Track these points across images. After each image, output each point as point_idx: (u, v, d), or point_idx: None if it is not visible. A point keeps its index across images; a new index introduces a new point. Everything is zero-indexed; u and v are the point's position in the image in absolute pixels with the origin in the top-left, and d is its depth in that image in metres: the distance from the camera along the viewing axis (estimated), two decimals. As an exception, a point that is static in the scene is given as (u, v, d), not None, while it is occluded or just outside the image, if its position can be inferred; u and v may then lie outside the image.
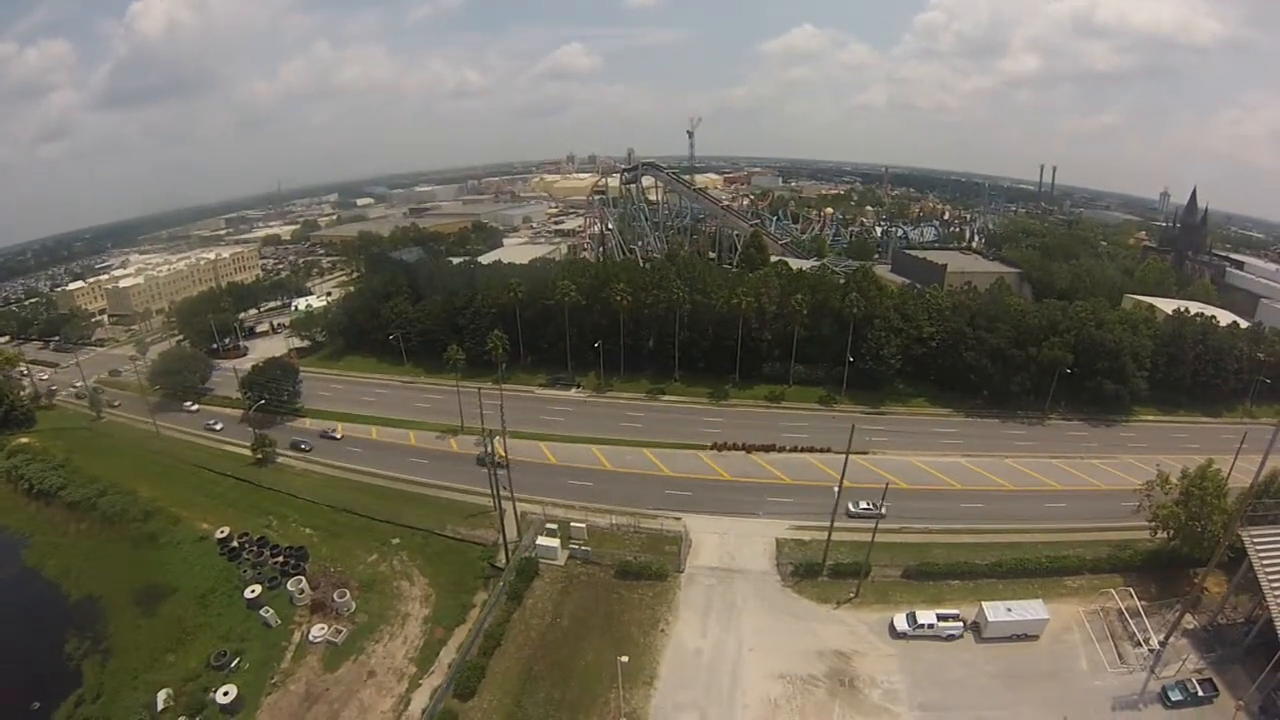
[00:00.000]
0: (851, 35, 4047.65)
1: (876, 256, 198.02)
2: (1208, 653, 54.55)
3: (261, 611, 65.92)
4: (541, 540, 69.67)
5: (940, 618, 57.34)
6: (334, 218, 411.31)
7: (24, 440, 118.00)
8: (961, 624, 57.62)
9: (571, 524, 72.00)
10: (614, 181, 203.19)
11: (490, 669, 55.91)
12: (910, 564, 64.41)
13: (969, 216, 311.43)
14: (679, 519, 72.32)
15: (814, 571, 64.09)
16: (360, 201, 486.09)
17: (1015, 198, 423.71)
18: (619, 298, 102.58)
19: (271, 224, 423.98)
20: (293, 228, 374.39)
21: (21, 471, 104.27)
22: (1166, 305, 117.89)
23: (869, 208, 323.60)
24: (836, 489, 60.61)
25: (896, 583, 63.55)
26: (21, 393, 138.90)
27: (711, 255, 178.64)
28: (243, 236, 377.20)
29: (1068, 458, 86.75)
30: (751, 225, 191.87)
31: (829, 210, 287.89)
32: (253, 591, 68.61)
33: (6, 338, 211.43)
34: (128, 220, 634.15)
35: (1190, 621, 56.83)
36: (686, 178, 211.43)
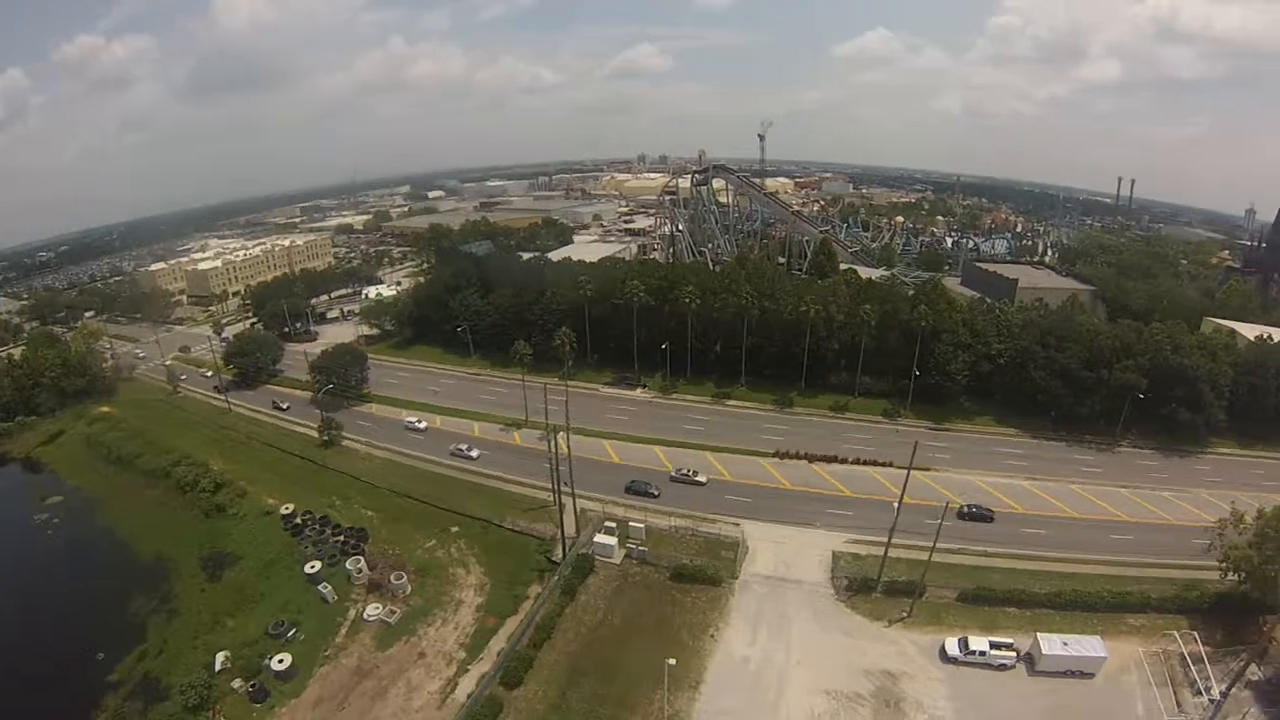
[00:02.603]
0: (924, 39, 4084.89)
1: (946, 268, 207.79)
2: (1270, 707, 55.18)
3: (320, 587, 76.24)
4: (599, 538, 76.67)
5: (993, 645, 60.32)
6: (405, 209, 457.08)
7: (105, 409, 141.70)
8: (1015, 654, 60.55)
9: (630, 524, 79.20)
10: (685, 182, 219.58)
11: (538, 660, 62.20)
12: (966, 587, 67.87)
13: (1042, 229, 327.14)
14: (737, 525, 79.52)
15: (868, 587, 68.83)
16: (431, 194, 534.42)
17: (1091, 211, 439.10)
18: (688, 300, 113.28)
19: (345, 213, 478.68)
20: (365, 217, 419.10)
21: (101, 438, 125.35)
22: (1249, 331, 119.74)
23: (940, 217, 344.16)
24: (896, 505, 65.12)
25: (950, 605, 67.15)
26: (104, 365, 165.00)
27: (781, 261, 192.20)
28: (316, 224, 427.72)
29: (1136, 488, 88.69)
30: (821, 232, 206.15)
31: (899, 219, 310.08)
32: (312, 567, 79.43)
33: (92, 312, 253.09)
34: (208, 206, 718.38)
35: (1255, 672, 56.95)
36: (757, 181, 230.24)
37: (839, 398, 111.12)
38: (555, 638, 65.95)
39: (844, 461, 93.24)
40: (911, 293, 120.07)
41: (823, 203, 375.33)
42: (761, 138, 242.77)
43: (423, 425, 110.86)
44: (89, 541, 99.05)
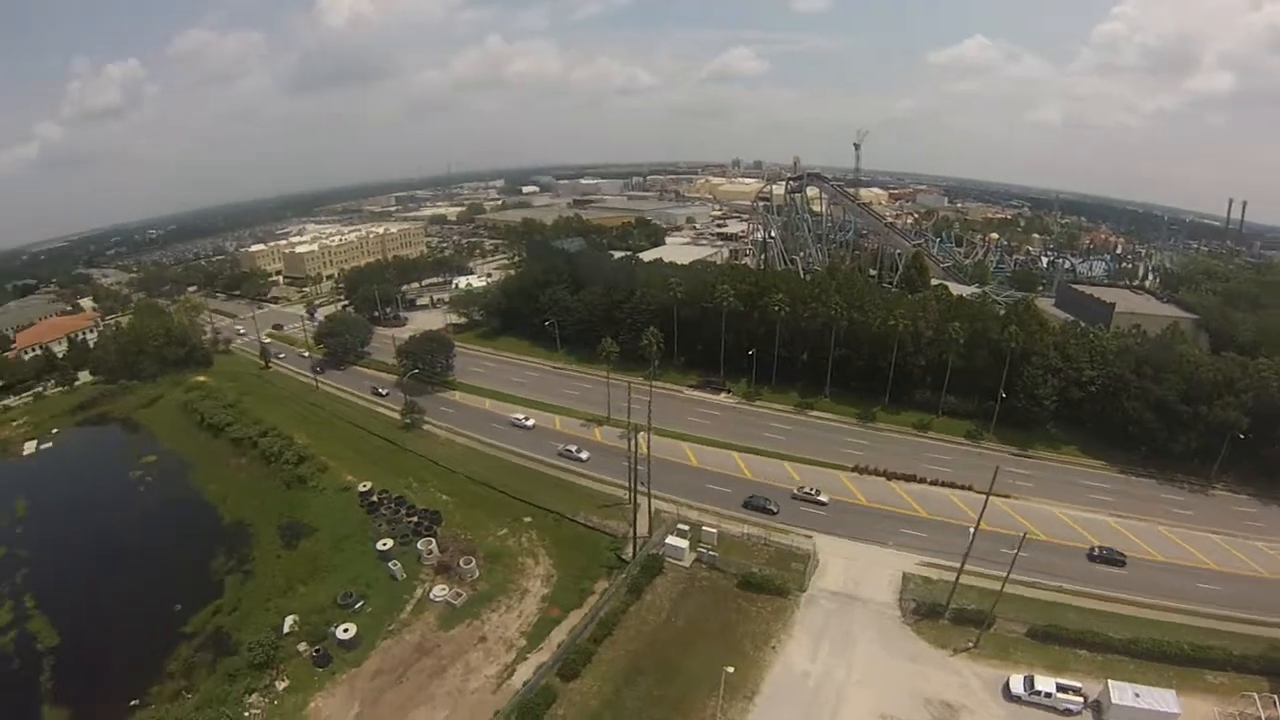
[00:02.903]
0: (1025, 47, 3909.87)
1: (1040, 289, 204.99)
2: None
3: (390, 564, 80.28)
4: (671, 539, 79.20)
5: (1060, 688, 58.58)
6: (499, 203, 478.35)
7: (201, 379, 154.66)
8: (1082, 700, 58.32)
9: (703, 528, 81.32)
10: (779, 189, 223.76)
11: (598, 655, 64.16)
12: (1037, 623, 66.44)
13: (1144, 252, 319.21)
14: (810, 537, 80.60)
15: (936, 613, 68.35)
16: (526, 189, 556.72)
17: (1198, 234, 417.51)
18: (777, 307, 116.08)
19: (439, 204, 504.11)
20: (459, 209, 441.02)
21: (196, 406, 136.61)
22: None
23: (1036, 235, 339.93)
24: (972, 530, 64.91)
25: (1019, 640, 65.93)
26: (203, 337, 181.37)
27: (872, 273, 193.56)
28: (411, 214, 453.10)
29: (1229, 535, 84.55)
30: (914, 245, 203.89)
31: (994, 235, 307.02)
32: (385, 545, 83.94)
33: (194, 288, 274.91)
34: (307, 192, 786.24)
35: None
36: (851, 191, 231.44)
37: (922, 415, 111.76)
38: (617, 635, 67.80)
39: (922, 481, 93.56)
40: (1003, 312, 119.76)
41: (916, 215, 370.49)
42: (857, 147, 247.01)
43: (530, 423, 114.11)
44: (177, 500, 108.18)
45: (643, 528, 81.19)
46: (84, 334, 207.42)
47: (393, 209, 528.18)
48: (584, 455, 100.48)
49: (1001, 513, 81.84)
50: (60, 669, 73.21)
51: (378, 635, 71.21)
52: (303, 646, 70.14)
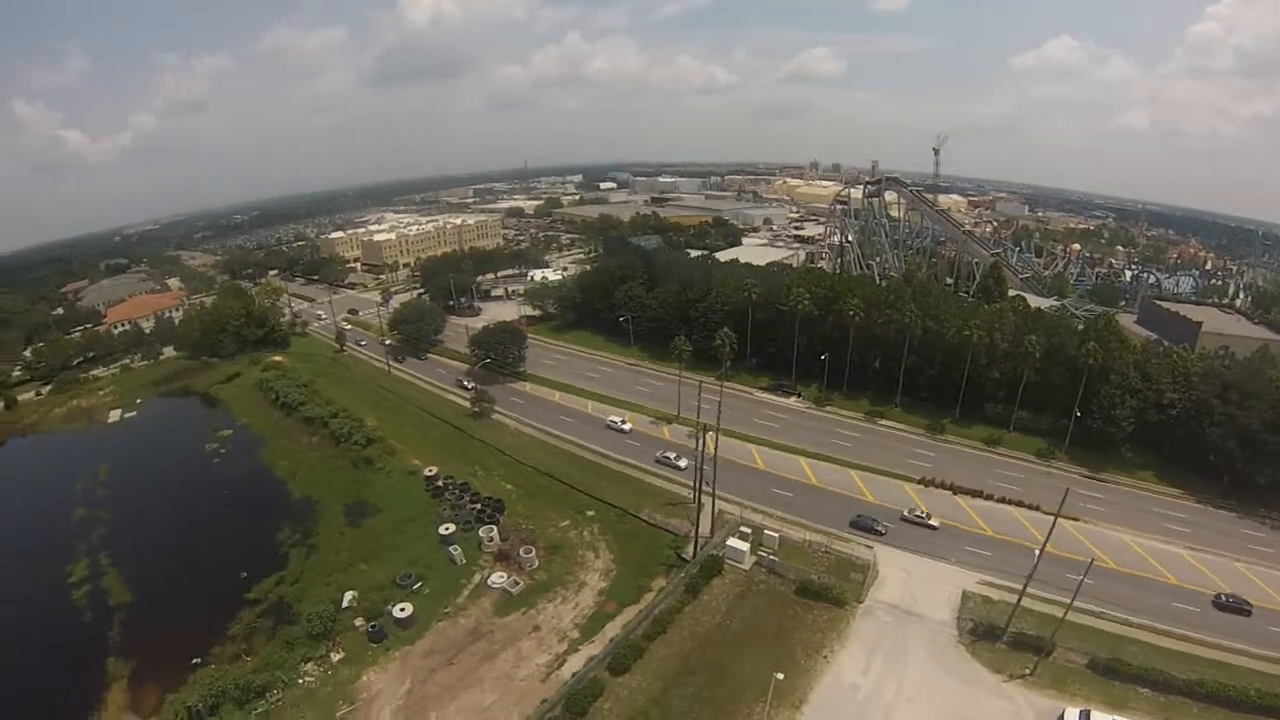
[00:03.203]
0: (1114, 49, 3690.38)
1: (1122, 304, 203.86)
2: None
3: (450, 548, 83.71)
4: (732, 541, 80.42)
5: None
6: (577, 198, 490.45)
7: (277, 358, 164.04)
8: None
9: (765, 531, 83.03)
10: (856, 193, 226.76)
11: (649, 652, 65.98)
12: (1099, 655, 64.92)
13: (1235, 268, 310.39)
14: (871, 548, 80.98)
15: (994, 635, 67.65)
16: (603, 185, 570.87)
17: None
18: (851, 313, 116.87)
19: (516, 197, 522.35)
20: (536, 203, 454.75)
21: (271, 384, 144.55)
22: None
23: (1120, 248, 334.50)
24: (1038, 552, 64.79)
25: (1078, 671, 64.58)
26: (281, 319, 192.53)
27: (948, 281, 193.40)
28: (488, 206, 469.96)
29: None
30: (992, 255, 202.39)
31: (1075, 246, 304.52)
32: (446, 529, 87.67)
33: (275, 271, 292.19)
34: (386, 183, 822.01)
35: None
36: (930, 197, 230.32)
37: (993, 430, 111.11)
38: (670, 633, 69.25)
39: (989, 498, 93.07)
40: (1081, 327, 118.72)
41: (995, 224, 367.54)
42: (936, 152, 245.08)
43: (627, 426, 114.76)
44: (249, 474, 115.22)
45: (705, 528, 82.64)
46: (170, 312, 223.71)
47: (470, 201, 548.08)
48: (682, 463, 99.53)
49: (1069, 536, 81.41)
50: (128, 624, 79.26)
51: (433, 616, 74.45)
52: (359, 622, 74.12)
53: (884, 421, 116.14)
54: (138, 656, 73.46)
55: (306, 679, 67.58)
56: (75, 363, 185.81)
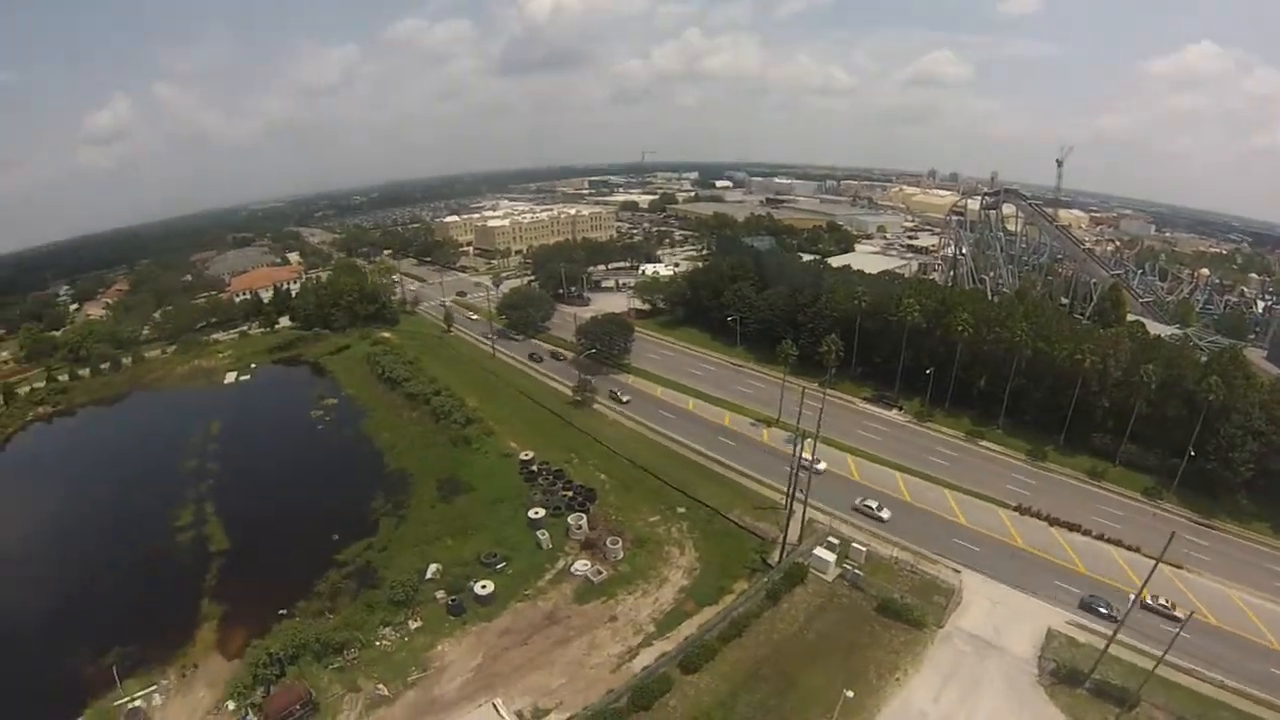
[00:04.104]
0: (1261, 57, 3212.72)
1: (1252, 337, 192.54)
2: None
3: (538, 533, 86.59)
4: (818, 551, 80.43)
5: None
6: (692, 195, 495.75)
7: (386, 335, 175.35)
8: None
9: (853, 544, 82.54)
10: (974, 204, 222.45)
11: (722, 654, 66.93)
12: (1186, 716, 62.50)
13: None
14: (958, 572, 79.21)
15: (1076, 679, 65.10)
16: (719, 183, 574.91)
17: None
18: (960, 328, 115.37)
19: (631, 191, 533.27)
20: (651, 197, 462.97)
21: (378, 359, 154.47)
22: None
23: (1254, 275, 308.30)
24: (1133, 596, 63.21)
25: None
26: (393, 297, 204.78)
27: (1063, 301, 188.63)
28: (603, 198, 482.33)
29: None
30: (1112, 276, 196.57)
31: (1204, 272, 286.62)
32: (536, 513, 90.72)
33: (389, 251, 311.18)
34: (502, 170, 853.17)
35: None
36: (1049, 211, 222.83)
37: (1097, 462, 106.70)
38: (745, 638, 69.85)
39: (1087, 533, 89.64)
40: (1204, 359, 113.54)
41: (1118, 243, 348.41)
42: (1059, 163, 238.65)
43: (821, 465, 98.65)
44: (350, 442, 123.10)
45: (793, 535, 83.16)
46: (288, 284, 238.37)
47: (585, 192, 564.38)
48: (885, 514, 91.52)
49: (1169, 584, 77.84)
50: (224, 571, 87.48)
51: (513, 597, 77.54)
52: (440, 594, 78.03)
53: (984, 443, 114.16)
54: (229, 601, 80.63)
55: (383, 642, 71.80)
56: (198, 326, 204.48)
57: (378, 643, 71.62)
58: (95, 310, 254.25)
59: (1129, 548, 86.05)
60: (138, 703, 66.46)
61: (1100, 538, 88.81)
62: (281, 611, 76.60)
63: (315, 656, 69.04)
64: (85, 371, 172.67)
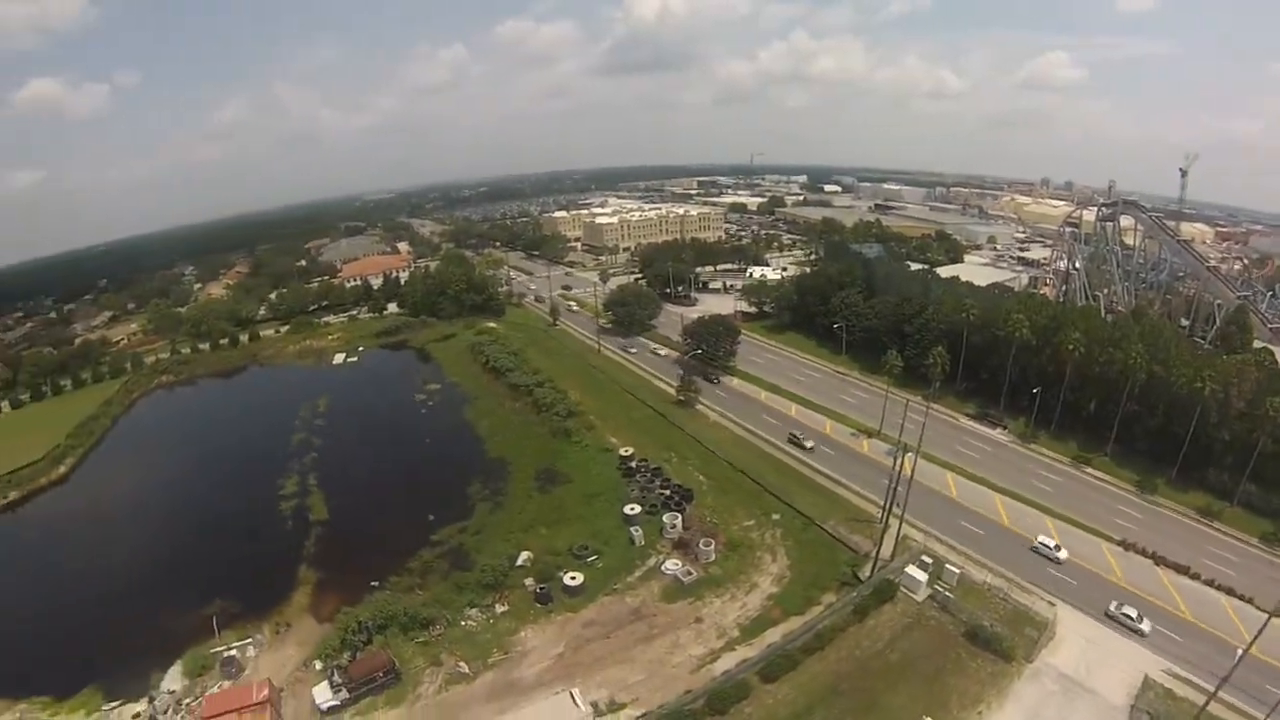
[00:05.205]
0: None
1: None
2: None
3: (632, 528, 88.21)
4: (910, 569, 79.01)
5: None
6: (800, 198, 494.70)
7: (491, 325, 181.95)
8: None
9: (946, 565, 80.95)
10: (1089, 215, 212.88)
11: (803, 666, 66.75)
12: None
13: None
14: (1053, 605, 75.99)
15: None
16: (827, 188, 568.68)
17: None
18: (1071, 347, 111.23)
19: (740, 193, 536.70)
20: (759, 200, 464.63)
21: (483, 348, 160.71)
22: None
23: None
24: (1240, 651, 60.12)
25: None
26: (499, 288, 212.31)
27: (1183, 323, 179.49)
28: (712, 199, 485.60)
29: None
30: (1239, 297, 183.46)
31: None
32: (631, 509, 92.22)
33: (498, 244, 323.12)
34: (610, 168, 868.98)
35: None
36: (1171, 224, 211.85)
37: (1213, 500, 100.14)
38: (828, 651, 69.32)
39: (1195, 576, 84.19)
40: None
41: (1246, 261, 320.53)
42: (1183, 173, 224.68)
43: (1062, 554, 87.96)
44: (451, 427, 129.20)
45: (887, 550, 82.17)
46: (398, 272, 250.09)
47: (694, 192, 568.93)
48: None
49: None
50: (322, 540, 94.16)
51: (601, 590, 79.19)
52: (529, 581, 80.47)
53: (1090, 469, 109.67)
54: (325, 569, 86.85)
55: (469, 622, 74.92)
56: (311, 308, 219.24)
57: (463, 622, 74.67)
58: (216, 290, 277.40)
59: (1241, 597, 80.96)
60: (232, 652, 72.00)
61: (1209, 583, 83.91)
62: (374, 583, 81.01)
63: (402, 629, 72.70)
64: (205, 345, 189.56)
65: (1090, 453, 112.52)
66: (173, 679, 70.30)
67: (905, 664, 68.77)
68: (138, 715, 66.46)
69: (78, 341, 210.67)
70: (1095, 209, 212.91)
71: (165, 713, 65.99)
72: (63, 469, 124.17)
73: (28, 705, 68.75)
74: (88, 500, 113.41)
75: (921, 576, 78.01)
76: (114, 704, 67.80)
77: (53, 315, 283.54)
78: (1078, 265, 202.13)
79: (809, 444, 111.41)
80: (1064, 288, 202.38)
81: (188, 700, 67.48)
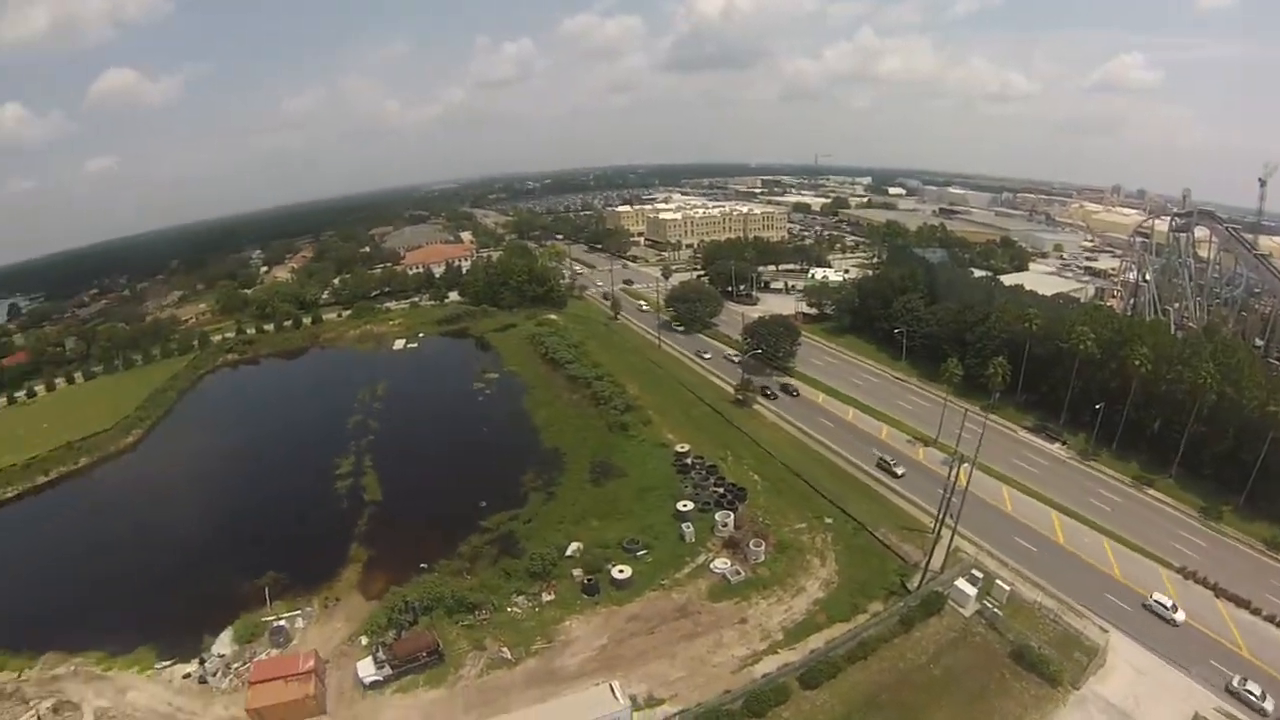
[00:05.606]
0: None
1: None
2: None
3: (683, 525, 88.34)
4: (960, 583, 77.46)
5: None
6: (864, 200, 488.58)
7: (552, 317, 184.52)
8: None
9: (997, 581, 78.96)
10: (1161, 225, 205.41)
11: (844, 674, 66.20)
12: None
13: None
14: (1106, 631, 73.40)
15: None
16: (892, 190, 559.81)
17: None
18: (1137, 362, 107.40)
19: (804, 193, 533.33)
20: (823, 201, 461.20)
21: (543, 339, 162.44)
22: None
23: None
24: None
25: None
26: (561, 280, 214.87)
27: (1258, 343, 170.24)
28: (775, 198, 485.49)
29: None
30: None
31: None
32: (684, 506, 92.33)
33: (561, 236, 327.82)
34: (674, 164, 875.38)
35: None
36: (1249, 237, 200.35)
37: None
38: (870, 661, 68.59)
39: (1257, 612, 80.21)
40: None
41: None
42: (1263, 183, 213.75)
43: (1180, 616, 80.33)
44: (508, 415, 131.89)
45: (937, 562, 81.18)
46: (459, 261, 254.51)
47: (758, 191, 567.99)
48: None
49: None
50: (374, 520, 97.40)
51: (648, 585, 79.81)
52: (578, 572, 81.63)
53: (1152, 491, 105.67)
54: (376, 548, 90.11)
55: (514, 609, 76.52)
56: (373, 294, 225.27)
57: (509, 609, 76.21)
58: (282, 273, 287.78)
59: (1306, 637, 76.84)
60: (282, 622, 75.18)
61: (1272, 619, 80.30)
62: (422, 565, 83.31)
63: (448, 611, 74.57)
64: (269, 326, 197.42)
65: (1153, 474, 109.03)
66: (223, 644, 74.00)
67: (948, 680, 67.78)
68: (188, 675, 69.99)
69: (149, 318, 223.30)
70: (1168, 219, 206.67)
71: (214, 675, 69.61)
72: (131, 438, 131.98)
73: (83, 659, 72.91)
74: (153, 469, 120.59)
75: (971, 591, 76.55)
76: (166, 663, 71.81)
77: (126, 293, 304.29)
78: (1147, 277, 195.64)
79: (900, 471, 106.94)
80: (1132, 300, 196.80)
81: (236, 664, 70.99)
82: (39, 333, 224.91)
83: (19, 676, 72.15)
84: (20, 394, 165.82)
